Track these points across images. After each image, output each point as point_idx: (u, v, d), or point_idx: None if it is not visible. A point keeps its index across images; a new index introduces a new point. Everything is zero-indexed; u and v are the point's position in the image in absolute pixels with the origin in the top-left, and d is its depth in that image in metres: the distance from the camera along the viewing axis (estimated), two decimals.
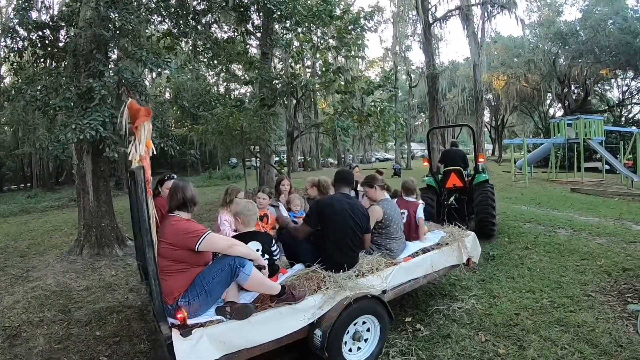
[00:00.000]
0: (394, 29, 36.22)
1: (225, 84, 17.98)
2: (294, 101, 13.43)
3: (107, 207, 9.23)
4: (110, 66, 8.60)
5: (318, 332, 3.86)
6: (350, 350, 4.17)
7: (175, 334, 3.18)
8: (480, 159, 9.94)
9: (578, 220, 11.14)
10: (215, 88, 17.58)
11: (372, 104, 13.33)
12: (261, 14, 12.54)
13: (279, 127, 14.94)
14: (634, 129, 27.06)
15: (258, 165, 19.17)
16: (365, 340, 4.30)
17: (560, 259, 7.60)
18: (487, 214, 8.70)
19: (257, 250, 4.06)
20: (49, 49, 9.80)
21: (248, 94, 17.01)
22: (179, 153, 9.25)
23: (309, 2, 12.88)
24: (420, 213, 5.80)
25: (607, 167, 24.62)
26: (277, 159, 14.74)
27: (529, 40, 37.73)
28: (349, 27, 12.86)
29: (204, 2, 11.68)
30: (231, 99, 14.95)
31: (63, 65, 9.65)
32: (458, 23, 28.25)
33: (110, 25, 8.56)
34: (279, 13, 11.40)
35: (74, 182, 9.61)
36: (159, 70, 9.03)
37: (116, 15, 8.51)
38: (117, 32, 8.55)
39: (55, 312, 5.88)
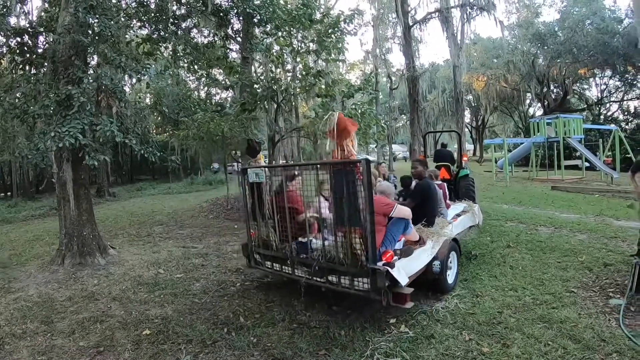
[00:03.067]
0: (374, 32, 36.23)
1: (206, 88, 17.92)
2: (275, 105, 13.41)
3: (88, 215, 9.12)
4: (89, 72, 8.50)
5: (437, 262, 5.89)
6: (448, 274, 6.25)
7: (387, 267, 4.79)
8: (464, 158, 12.21)
9: (559, 217, 11.31)
10: (196, 93, 17.44)
11: (353, 107, 13.34)
12: (241, 18, 12.48)
13: (261, 132, 14.90)
14: (612, 126, 27.58)
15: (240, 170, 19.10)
16: (450, 268, 6.37)
17: (542, 256, 7.70)
18: (469, 198, 10.02)
19: None
20: (28, 55, 9.70)
21: (229, 99, 16.92)
22: (160, 159, 9.17)
23: (289, 6, 12.86)
24: (446, 192, 8.33)
25: (587, 164, 25.03)
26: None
27: (508, 41, 38.19)
28: (329, 31, 12.85)
29: (184, 7, 11.62)
30: (212, 104, 14.86)
31: (42, 72, 9.52)
32: (438, 25, 28.58)
33: (89, 31, 8.48)
34: (258, 17, 11.37)
35: (54, 190, 9.47)
36: (139, 76, 8.98)
37: (95, 20, 8.41)
38: (96, 37, 8.47)
39: (38, 324, 5.79)
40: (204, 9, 11.04)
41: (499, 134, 57.94)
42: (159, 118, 14.20)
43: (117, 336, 5.30)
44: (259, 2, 11.47)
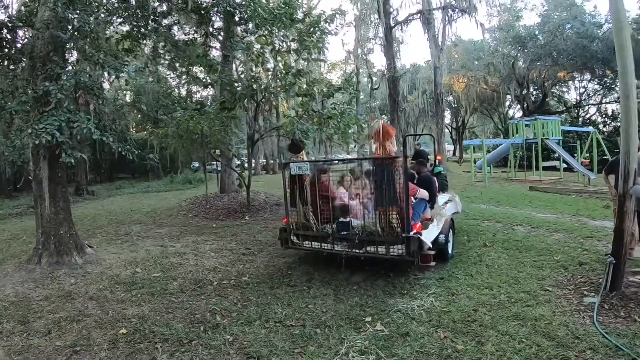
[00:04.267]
0: (356, 32, 36.29)
1: (186, 86, 17.83)
2: (255, 104, 13.38)
3: (65, 213, 8.98)
4: (68, 69, 8.40)
5: (442, 235, 7.35)
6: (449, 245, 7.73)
7: (418, 235, 6.28)
8: (438, 157, 12.92)
9: (536, 217, 11.44)
10: (176, 91, 17.28)
11: (332, 106, 13.37)
12: (222, 16, 12.42)
13: (241, 131, 14.83)
14: (590, 128, 27.95)
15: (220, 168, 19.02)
16: (449, 241, 7.81)
17: (518, 255, 7.79)
18: (444, 189, 10.26)
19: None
20: (7, 50, 9.54)
21: (210, 97, 16.81)
22: (139, 157, 9.10)
23: (270, 4, 12.81)
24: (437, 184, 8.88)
25: (564, 165, 25.33)
26: (239, 162, 14.59)
27: (489, 43, 38.61)
28: (310, 30, 12.84)
29: (165, 4, 11.53)
30: (193, 102, 14.74)
31: (20, 67, 9.37)
32: (419, 27, 28.59)
33: (68, 27, 8.37)
34: (239, 15, 11.33)
35: (32, 188, 9.32)
36: (117, 73, 8.88)
37: (75, 16, 8.32)
38: (76, 33, 8.37)
39: (15, 323, 5.71)
40: (184, 6, 10.97)
41: (478, 135, 58.52)
42: (139, 116, 14.05)
43: (93, 335, 5.25)
44: (239, 0, 11.44)
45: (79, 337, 5.23)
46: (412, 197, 6.79)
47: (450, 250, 7.81)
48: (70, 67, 8.75)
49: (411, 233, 6.19)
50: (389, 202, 6.32)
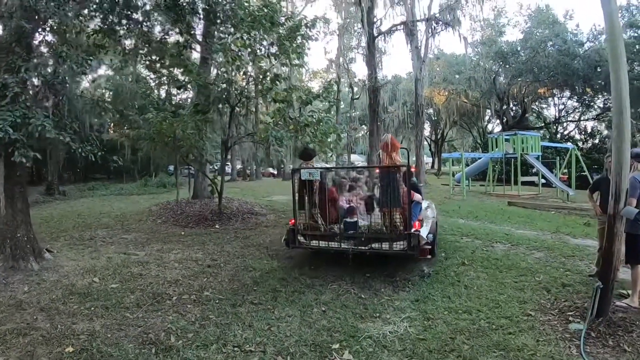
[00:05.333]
0: (339, 41, 36.17)
1: (166, 88, 17.35)
2: (230, 109, 12.96)
3: (24, 216, 8.43)
4: (34, 61, 7.87)
5: (430, 235, 7.64)
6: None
7: (418, 231, 7.10)
8: (413, 169, 12.21)
9: (515, 233, 11.17)
10: (155, 92, 16.78)
11: (310, 114, 13.01)
12: (198, 15, 11.98)
13: (217, 135, 14.38)
14: (569, 144, 28.25)
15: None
16: (435, 239, 8.33)
17: (498, 275, 7.42)
18: None
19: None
20: None
21: (189, 100, 16.36)
22: (102, 159, 8.60)
23: (252, 6, 12.41)
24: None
25: (543, 181, 25.50)
26: (215, 168, 14.20)
27: (471, 58, 38.79)
28: (290, 35, 12.49)
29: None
30: (172, 104, 14.25)
31: None
32: (402, 38, 28.63)
33: (36, 17, 7.89)
34: (213, 14, 10.92)
35: None
36: (81, 69, 8.37)
37: (41, 6, 7.82)
38: (42, 24, 7.88)
39: None
40: (158, 2, 10.53)
41: (457, 148, 58.83)
42: (118, 115, 13.55)
43: (38, 352, 4.80)
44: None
45: (24, 352, 4.79)
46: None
47: (435, 248, 8.39)
48: (35, 60, 8.23)
49: (412, 230, 7.06)
50: (394, 204, 7.23)
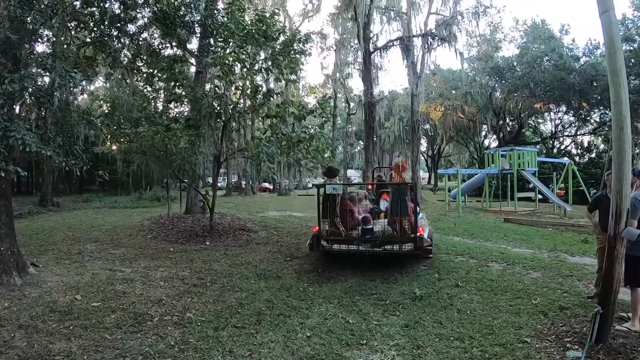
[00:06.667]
0: (335, 56, 36.28)
1: (162, 102, 17.21)
2: (222, 123, 12.77)
3: (8, 229, 8.16)
4: (21, 72, 7.67)
5: (429, 238, 9.05)
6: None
7: (423, 235, 8.77)
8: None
9: (511, 252, 10.91)
10: (153, 105, 16.62)
11: (303, 130, 12.80)
12: (186, 29, 11.84)
13: (209, 150, 14.19)
14: (566, 159, 28.12)
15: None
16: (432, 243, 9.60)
17: (492, 297, 7.14)
18: None
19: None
20: None
21: (185, 114, 16.21)
22: (87, 173, 8.40)
23: (244, 21, 12.26)
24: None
25: (540, 196, 25.39)
26: (202, 183, 14.00)
27: (467, 73, 38.93)
28: (284, 50, 12.34)
29: (128, 11, 10.88)
30: (168, 118, 14.06)
31: None
32: (398, 53, 28.69)
33: (23, 28, 7.73)
34: (203, 28, 10.77)
35: None
36: (66, 81, 8.16)
37: (29, 17, 7.66)
38: (31, 35, 7.68)
39: None
40: (148, 15, 10.39)
41: (454, 164, 58.88)
42: (115, 128, 13.35)
43: None
44: (205, 12, 10.90)
45: None
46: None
47: (433, 250, 9.69)
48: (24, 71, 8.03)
49: (418, 234, 8.55)
50: (403, 213, 8.76)
